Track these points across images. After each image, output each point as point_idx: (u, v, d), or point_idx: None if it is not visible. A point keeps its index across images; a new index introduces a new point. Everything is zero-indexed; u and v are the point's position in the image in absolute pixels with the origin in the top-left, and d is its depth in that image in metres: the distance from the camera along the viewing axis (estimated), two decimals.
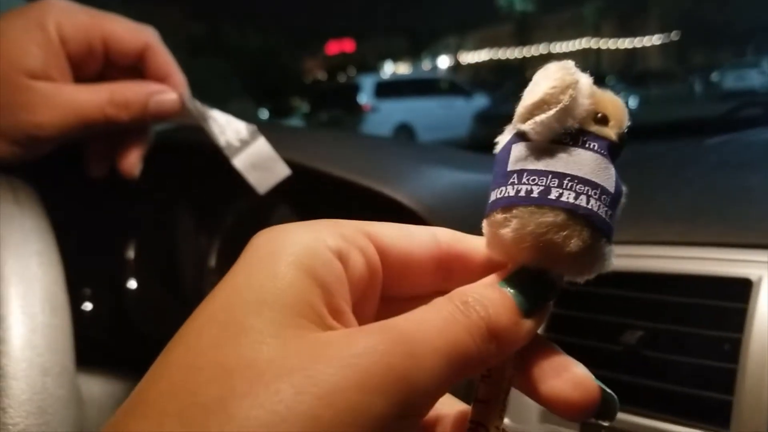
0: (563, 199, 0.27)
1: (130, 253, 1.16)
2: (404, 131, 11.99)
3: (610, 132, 0.28)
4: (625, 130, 0.28)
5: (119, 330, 1.04)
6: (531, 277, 0.27)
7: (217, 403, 0.20)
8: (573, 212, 0.27)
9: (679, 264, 0.58)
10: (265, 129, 1.09)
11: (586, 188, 0.27)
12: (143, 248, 1.15)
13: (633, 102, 13.37)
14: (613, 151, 0.28)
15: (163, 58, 0.54)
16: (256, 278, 0.23)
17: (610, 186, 0.27)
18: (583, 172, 0.27)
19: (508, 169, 0.28)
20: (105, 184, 1.11)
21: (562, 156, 0.27)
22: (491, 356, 0.24)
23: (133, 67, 0.55)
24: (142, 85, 0.53)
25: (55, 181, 0.75)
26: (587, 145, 0.27)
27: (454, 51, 30.28)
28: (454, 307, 0.24)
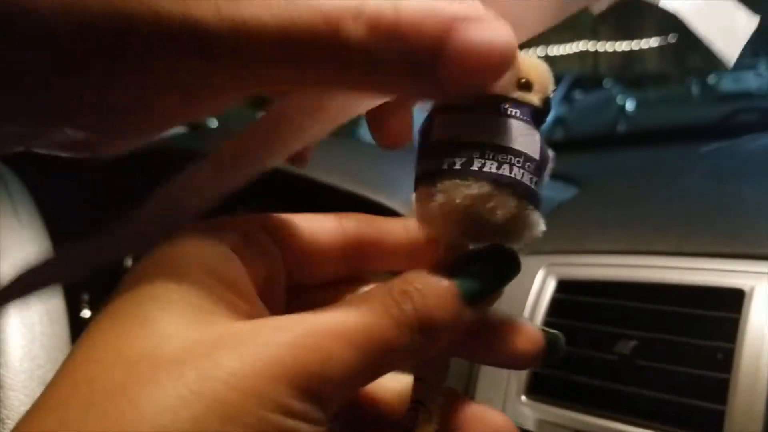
0: (486, 169, 0.26)
1: (128, 261, 1.16)
2: None
3: (534, 97, 0.27)
4: (550, 95, 0.28)
5: None
6: (481, 266, 0.26)
7: (120, 389, 0.20)
8: (497, 182, 0.26)
9: (673, 274, 0.58)
10: None
11: (509, 157, 0.26)
12: (141, 256, 1.15)
13: (630, 104, 13.38)
14: (537, 116, 0.27)
15: None
16: (159, 279, 0.23)
17: (534, 153, 0.27)
18: (505, 140, 0.27)
19: (432, 140, 0.27)
20: (103, 190, 1.11)
21: (484, 125, 0.27)
22: (423, 348, 0.23)
23: None
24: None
25: (54, 188, 0.75)
26: (509, 113, 0.27)
27: None
28: (389, 299, 0.23)
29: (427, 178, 0.27)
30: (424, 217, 0.28)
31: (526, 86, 0.28)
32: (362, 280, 0.29)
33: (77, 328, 0.59)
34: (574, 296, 0.63)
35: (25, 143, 0.29)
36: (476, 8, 0.23)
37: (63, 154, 0.32)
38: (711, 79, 17.88)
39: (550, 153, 0.28)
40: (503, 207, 0.26)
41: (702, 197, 0.68)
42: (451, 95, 0.24)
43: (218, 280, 0.23)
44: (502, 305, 0.69)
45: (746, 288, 0.54)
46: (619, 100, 13.13)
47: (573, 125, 11.73)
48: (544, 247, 0.68)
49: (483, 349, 0.27)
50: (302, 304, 0.25)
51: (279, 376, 0.20)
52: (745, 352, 0.52)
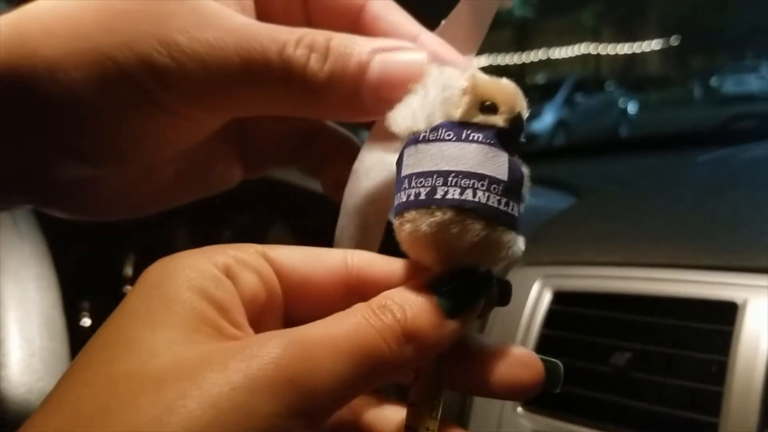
0: (448, 196, 0.27)
1: (128, 270, 1.17)
2: None
3: (498, 119, 0.28)
4: (518, 114, 0.28)
5: None
6: (458, 280, 0.27)
7: (100, 413, 0.20)
8: (460, 208, 0.27)
9: (667, 286, 0.59)
10: None
11: (472, 181, 0.27)
12: (141, 264, 1.16)
13: (632, 107, 13.37)
14: (503, 137, 0.28)
15: (396, 18, 0.33)
16: (148, 303, 0.23)
17: (501, 174, 0.27)
18: (467, 165, 0.28)
19: (402, 175, 0.29)
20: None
21: (447, 153, 0.28)
22: (409, 360, 0.24)
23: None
24: (363, 37, 0.30)
25: None
26: (470, 138, 0.28)
27: None
28: (370, 311, 0.24)
29: (398, 209, 0.28)
30: (402, 246, 0.29)
31: (491, 109, 0.28)
32: None
33: (77, 336, 0.60)
34: (570, 308, 0.63)
35: (30, 179, 0.31)
36: (390, 41, 0.29)
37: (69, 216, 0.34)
38: (713, 82, 17.88)
39: (524, 170, 0.28)
40: (469, 231, 0.27)
41: (697, 209, 0.69)
42: (374, 111, 0.29)
43: (207, 302, 0.23)
44: (499, 315, 0.69)
45: (739, 301, 0.54)
46: (620, 103, 13.12)
47: (575, 128, 11.74)
48: (540, 259, 0.68)
49: (478, 380, 0.27)
50: None
51: (264, 389, 0.20)
52: (738, 365, 0.52)
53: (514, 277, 0.68)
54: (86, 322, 1.16)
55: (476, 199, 0.27)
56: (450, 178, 0.28)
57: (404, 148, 0.29)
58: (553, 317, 0.63)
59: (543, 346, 0.62)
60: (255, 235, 1.05)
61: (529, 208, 0.80)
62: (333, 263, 0.27)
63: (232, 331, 0.23)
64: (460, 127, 0.28)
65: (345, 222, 0.33)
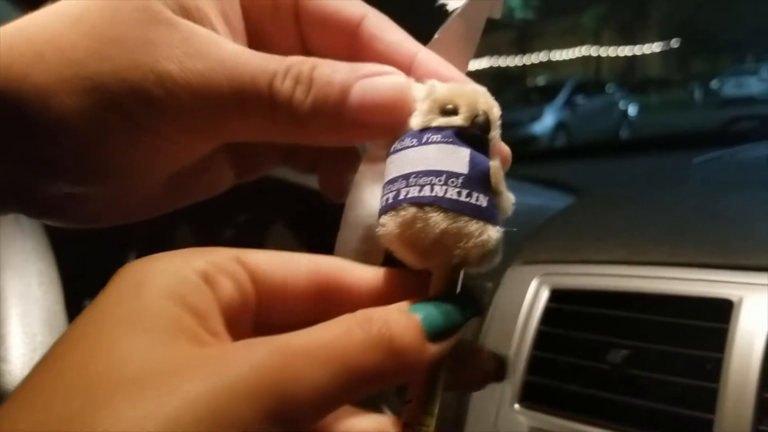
0: (409, 195, 0.29)
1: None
2: None
3: (457, 119, 0.30)
4: (481, 113, 0.30)
5: None
6: (441, 306, 0.27)
7: (77, 415, 0.19)
8: (419, 204, 0.29)
9: (664, 284, 0.59)
10: None
11: (429, 178, 0.29)
12: None
13: (633, 109, 13.36)
14: (464, 135, 0.30)
15: (393, 37, 0.32)
16: (125, 306, 0.23)
17: (461, 168, 0.29)
18: (425, 165, 0.29)
19: (383, 185, 0.31)
20: None
21: (409, 158, 0.30)
22: (390, 374, 0.24)
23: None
24: (348, 63, 0.30)
25: None
26: (428, 140, 0.30)
27: None
28: (355, 323, 0.24)
29: (379, 217, 0.30)
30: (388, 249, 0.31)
31: (452, 112, 0.30)
32: None
33: None
34: (568, 305, 0.64)
35: (22, 196, 0.32)
36: (371, 67, 0.29)
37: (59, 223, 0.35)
38: (713, 84, 17.89)
39: (494, 163, 0.30)
40: (431, 225, 0.29)
41: (694, 208, 0.69)
42: (358, 136, 0.30)
43: (185, 309, 0.23)
44: (497, 312, 0.69)
45: (735, 299, 0.55)
46: (621, 105, 13.13)
47: (575, 130, 11.74)
48: (538, 257, 0.69)
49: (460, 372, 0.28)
50: None
51: (244, 395, 0.20)
52: (733, 362, 0.53)
53: (513, 274, 0.69)
54: None
55: (433, 194, 0.29)
56: (411, 179, 0.29)
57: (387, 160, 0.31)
58: (550, 314, 0.64)
59: (540, 343, 0.63)
60: (256, 234, 1.06)
61: (529, 207, 0.82)
62: (304, 268, 0.28)
63: (209, 339, 0.23)
64: (420, 133, 0.30)
65: (347, 234, 0.34)
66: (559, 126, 11.57)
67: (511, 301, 0.66)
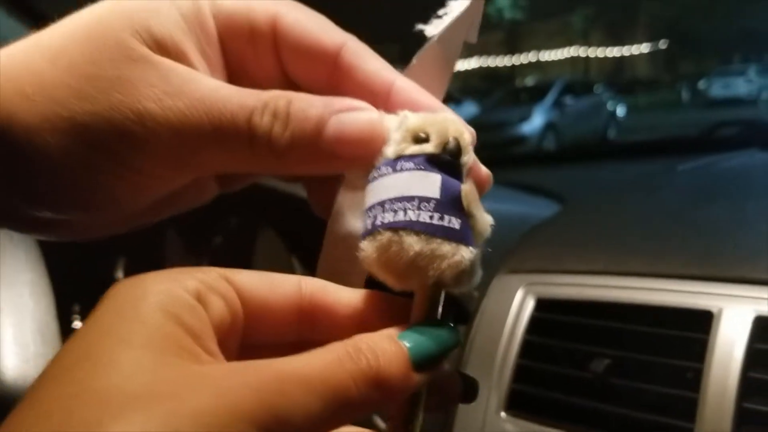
0: (385, 221, 0.31)
1: (119, 273, 1.17)
2: None
3: (429, 147, 0.32)
4: (452, 140, 0.32)
5: None
6: (428, 335, 0.29)
7: (97, 423, 0.20)
8: (393, 228, 0.31)
9: (646, 295, 0.61)
10: None
11: (402, 204, 0.31)
12: (132, 266, 1.17)
13: (621, 110, 13.41)
14: (435, 161, 0.32)
15: (372, 65, 0.33)
16: (123, 322, 0.24)
17: (432, 192, 0.31)
18: (398, 191, 0.31)
19: (363, 212, 0.33)
20: None
21: (384, 185, 0.32)
22: (376, 403, 0.25)
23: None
24: (322, 98, 0.31)
25: None
26: (402, 168, 0.32)
27: None
28: (345, 352, 0.25)
29: (360, 242, 0.32)
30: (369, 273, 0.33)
31: (424, 140, 0.32)
32: (310, 346, 0.29)
33: (67, 338, 0.61)
34: (552, 315, 0.65)
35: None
36: (345, 102, 0.31)
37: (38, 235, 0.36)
38: (701, 85, 17.99)
39: (467, 186, 0.32)
40: (406, 248, 0.31)
41: (676, 219, 0.71)
42: (333, 167, 0.32)
43: (182, 328, 0.24)
44: (484, 321, 0.70)
45: (715, 310, 0.56)
46: (609, 105, 13.19)
47: (564, 130, 11.77)
48: (524, 266, 0.70)
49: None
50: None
51: (245, 416, 0.22)
52: (713, 372, 0.54)
53: (499, 283, 0.70)
54: (77, 324, 1.16)
55: (407, 218, 0.31)
56: (386, 205, 0.31)
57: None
58: (535, 324, 0.65)
59: (526, 351, 0.64)
60: (244, 240, 1.06)
61: (514, 215, 0.83)
62: (288, 289, 0.29)
63: (206, 357, 0.24)
64: (394, 162, 0.32)
65: (329, 255, 0.35)
66: (548, 126, 11.61)
67: (497, 309, 0.68)
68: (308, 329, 0.30)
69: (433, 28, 0.37)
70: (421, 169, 0.32)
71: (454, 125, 0.33)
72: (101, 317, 0.24)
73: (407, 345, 0.27)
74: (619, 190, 0.93)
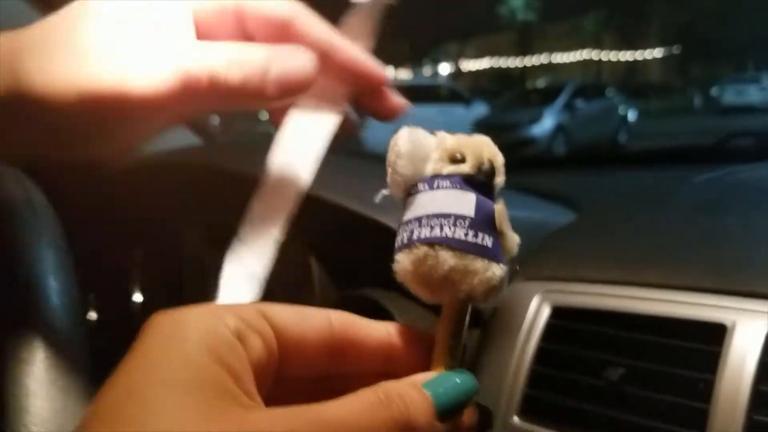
0: (421, 236, 0.33)
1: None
2: None
3: (465, 167, 0.35)
4: (486, 162, 0.35)
5: (125, 340, 1.07)
6: (451, 384, 0.31)
7: None
8: (431, 243, 0.33)
9: (661, 306, 0.62)
10: (263, 153, 1.12)
11: (439, 220, 0.33)
12: (149, 259, 1.19)
13: (632, 114, 13.39)
14: (471, 181, 0.35)
15: (315, 29, 0.40)
16: (168, 361, 0.25)
17: (468, 211, 0.34)
18: (435, 208, 0.34)
19: (399, 223, 0.36)
20: (114, 194, 1.14)
21: (421, 202, 0.35)
22: None
23: None
24: (267, 46, 0.38)
25: (65, 189, 0.78)
26: (438, 186, 0.34)
27: (454, 58, 30.37)
28: (378, 400, 0.27)
29: (394, 254, 0.35)
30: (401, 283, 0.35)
31: (460, 160, 0.35)
32: (341, 379, 0.32)
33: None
34: (568, 323, 0.66)
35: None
36: (285, 49, 0.38)
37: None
38: (713, 92, 17.94)
39: (499, 206, 0.35)
40: (441, 262, 0.33)
41: (691, 231, 0.72)
42: (278, 98, 0.38)
43: (224, 368, 0.25)
44: (499, 327, 0.72)
45: (728, 323, 0.58)
46: (621, 110, 13.17)
47: (574, 133, 11.75)
48: (541, 274, 0.71)
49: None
50: (284, 395, 0.28)
51: None
52: (724, 384, 0.55)
53: (516, 290, 0.71)
54: (92, 315, 1.18)
55: (443, 234, 0.33)
56: (422, 221, 0.34)
57: (402, 203, 0.37)
58: (551, 331, 0.66)
59: (541, 358, 0.65)
60: None
61: (530, 222, 0.85)
62: (320, 324, 0.31)
63: (245, 400, 0.26)
64: (431, 179, 0.35)
65: (265, 195, 0.42)
66: (558, 129, 11.61)
67: (513, 316, 0.69)
68: (337, 362, 0.32)
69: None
70: (457, 188, 0.34)
71: (488, 148, 0.36)
72: (146, 354, 0.25)
73: (432, 395, 0.29)
74: (633, 199, 0.94)
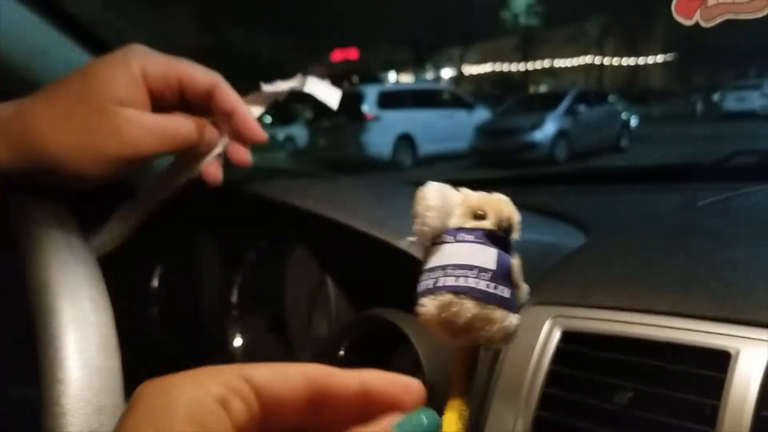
0: (447, 284, 0.37)
1: (155, 281, 1.22)
2: (406, 141, 12.04)
3: (486, 223, 0.38)
4: (505, 219, 0.39)
5: (143, 357, 1.10)
6: (419, 423, 0.32)
7: None
8: (455, 292, 0.36)
9: (668, 333, 0.65)
10: (282, 177, 1.15)
11: (464, 271, 0.37)
12: (167, 278, 1.21)
13: (634, 120, 13.39)
14: (492, 237, 0.38)
15: (229, 96, 0.61)
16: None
17: (490, 264, 0.39)
18: (460, 259, 0.37)
19: (421, 269, 0.39)
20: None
21: (446, 251, 0.38)
22: None
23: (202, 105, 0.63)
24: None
25: (88, 207, 0.81)
26: (463, 239, 0.38)
27: (457, 62, 30.42)
28: None
29: (417, 297, 0.38)
30: (423, 326, 0.39)
31: (482, 217, 0.39)
32: (322, 428, 0.33)
33: None
34: (578, 347, 0.69)
35: None
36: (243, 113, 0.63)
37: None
38: (715, 98, 17.95)
39: (516, 261, 0.40)
40: (464, 310, 0.36)
41: (698, 259, 0.75)
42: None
43: None
44: (512, 350, 0.75)
45: (732, 351, 0.60)
46: (623, 115, 13.19)
47: (576, 138, 11.76)
48: (552, 299, 0.74)
49: None
50: None
51: None
52: (729, 409, 0.58)
53: (527, 314, 0.74)
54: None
55: (468, 284, 0.38)
56: (448, 270, 0.37)
57: (424, 251, 0.40)
58: (562, 355, 0.69)
59: (552, 381, 0.68)
60: (277, 257, 1.11)
61: (540, 245, 0.88)
62: (299, 379, 0.32)
63: None
64: (456, 231, 0.38)
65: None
66: (560, 134, 11.63)
67: (525, 339, 0.72)
68: (316, 414, 0.32)
69: (267, 86, 0.66)
70: (479, 242, 0.38)
71: (507, 207, 0.40)
72: (135, 426, 0.27)
73: None
74: (641, 224, 0.97)
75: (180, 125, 0.59)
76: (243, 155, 0.64)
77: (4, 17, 0.96)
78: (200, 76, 0.60)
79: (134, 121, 0.56)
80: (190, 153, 0.64)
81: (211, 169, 0.64)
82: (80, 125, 0.55)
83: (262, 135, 0.63)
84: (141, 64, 0.58)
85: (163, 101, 0.60)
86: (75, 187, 0.61)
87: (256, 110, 0.65)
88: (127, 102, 0.57)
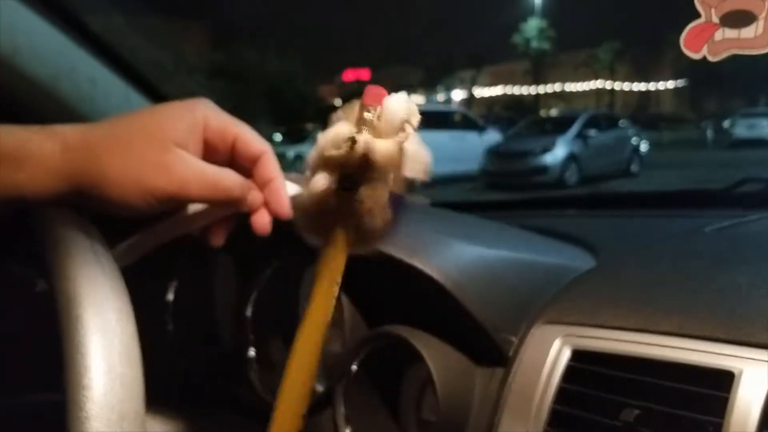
0: None
1: (170, 295, 1.24)
2: None
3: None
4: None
5: (158, 371, 1.11)
6: None
7: None
8: None
9: (674, 353, 0.67)
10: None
11: None
12: (182, 291, 1.24)
13: (644, 145, 13.40)
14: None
15: (273, 165, 0.62)
16: None
17: None
18: None
19: None
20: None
21: None
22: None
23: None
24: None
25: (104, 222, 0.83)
26: None
27: (468, 85, 30.60)
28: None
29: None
30: None
31: None
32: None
33: None
34: (587, 365, 0.71)
35: None
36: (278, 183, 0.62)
37: None
38: (725, 124, 17.96)
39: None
40: None
41: (704, 282, 0.77)
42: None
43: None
44: (522, 367, 0.77)
45: (736, 371, 0.63)
46: (633, 140, 13.21)
47: (586, 162, 11.76)
48: (562, 318, 0.77)
49: None
50: None
51: None
52: (732, 427, 0.60)
53: (538, 333, 0.76)
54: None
55: None
56: None
57: None
58: (571, 373, 0.71)
59: (561, 398, 0.70)
60: (293, 275, 1.13)
61: (551, 266, 0.91)
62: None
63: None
64: None
65: None
66: (571, 158, 11.65)
67: (535, 357, 0.74)
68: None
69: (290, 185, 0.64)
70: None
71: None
72: None
73: None
74: (649, 248, 0.99)
75: (227, 177, 0.60)
76: (264, 224, 0.64)
77: (31, 37, 0.99)
78: (254, 140, 0.62)
79: (186, 160, 0.59)
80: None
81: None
82: (137, 156, 0.58)
83: (287, 213, 0.63)
84: (204, 115, 0.61)
85: (215, 155, 0.62)
86: (113, 215, 0.62)
87: (292, 188, 0.64)
88: (183, 144, 0.59)
